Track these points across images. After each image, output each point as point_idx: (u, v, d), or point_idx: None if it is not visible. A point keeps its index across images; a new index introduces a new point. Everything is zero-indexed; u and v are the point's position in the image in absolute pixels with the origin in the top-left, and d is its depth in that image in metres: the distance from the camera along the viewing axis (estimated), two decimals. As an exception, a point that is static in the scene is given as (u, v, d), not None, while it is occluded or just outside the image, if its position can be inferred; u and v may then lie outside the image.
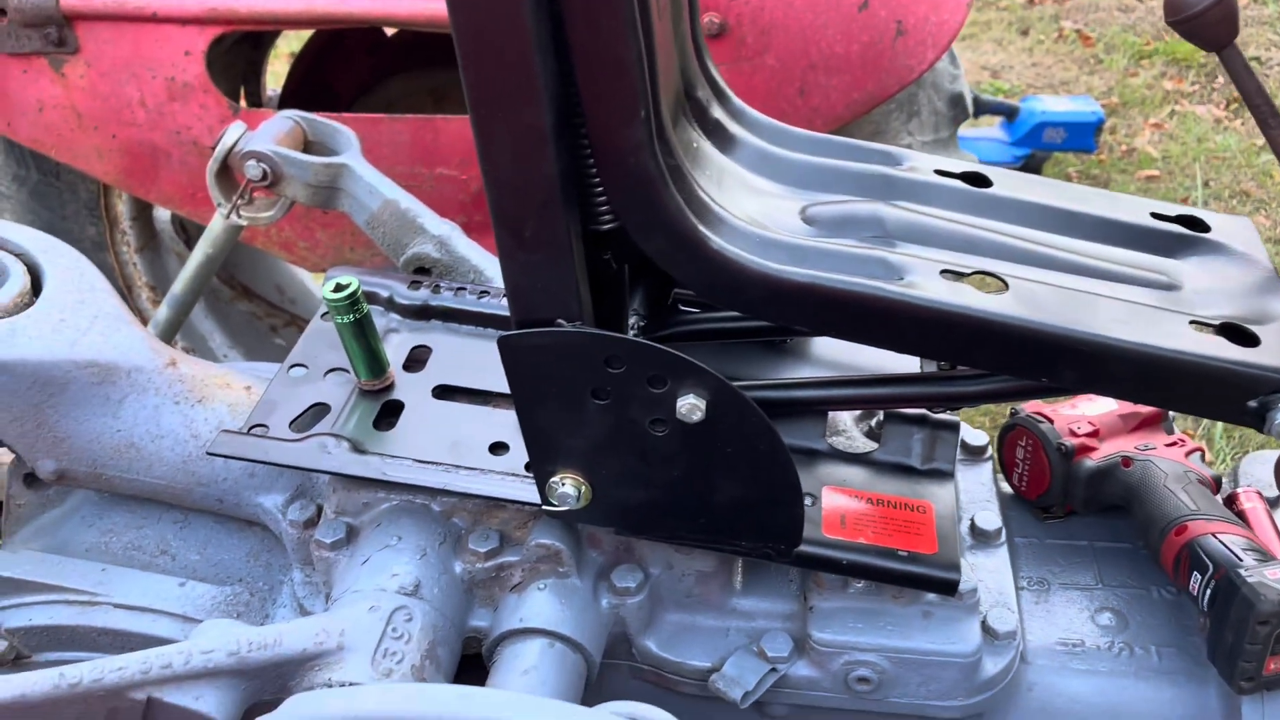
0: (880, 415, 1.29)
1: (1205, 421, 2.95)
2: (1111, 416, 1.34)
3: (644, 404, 1.02)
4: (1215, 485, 1.28)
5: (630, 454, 1.06)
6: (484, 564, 1.16)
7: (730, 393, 1.00)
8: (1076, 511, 1.34)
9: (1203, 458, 1.32)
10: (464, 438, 1.22)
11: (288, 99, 2.66)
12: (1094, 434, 1.32)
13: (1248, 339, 0.98)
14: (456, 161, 2.09)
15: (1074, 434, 1.31)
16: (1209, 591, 1.14)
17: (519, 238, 0.95)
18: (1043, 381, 1.02)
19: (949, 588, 1.12)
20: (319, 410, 1.25)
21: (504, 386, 1.26)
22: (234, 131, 1.53)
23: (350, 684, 1.01)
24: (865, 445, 1.26)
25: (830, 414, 1.26)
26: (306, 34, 2.81)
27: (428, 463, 1.17)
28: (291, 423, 1.23)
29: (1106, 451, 1.31)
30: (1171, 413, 1.38)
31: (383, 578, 1.12)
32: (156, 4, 2.01)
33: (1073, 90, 4.77)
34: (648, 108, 0.90)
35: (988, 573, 1.23)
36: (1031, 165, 4.03)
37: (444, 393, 1.29)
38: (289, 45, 3.90)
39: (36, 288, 1.28)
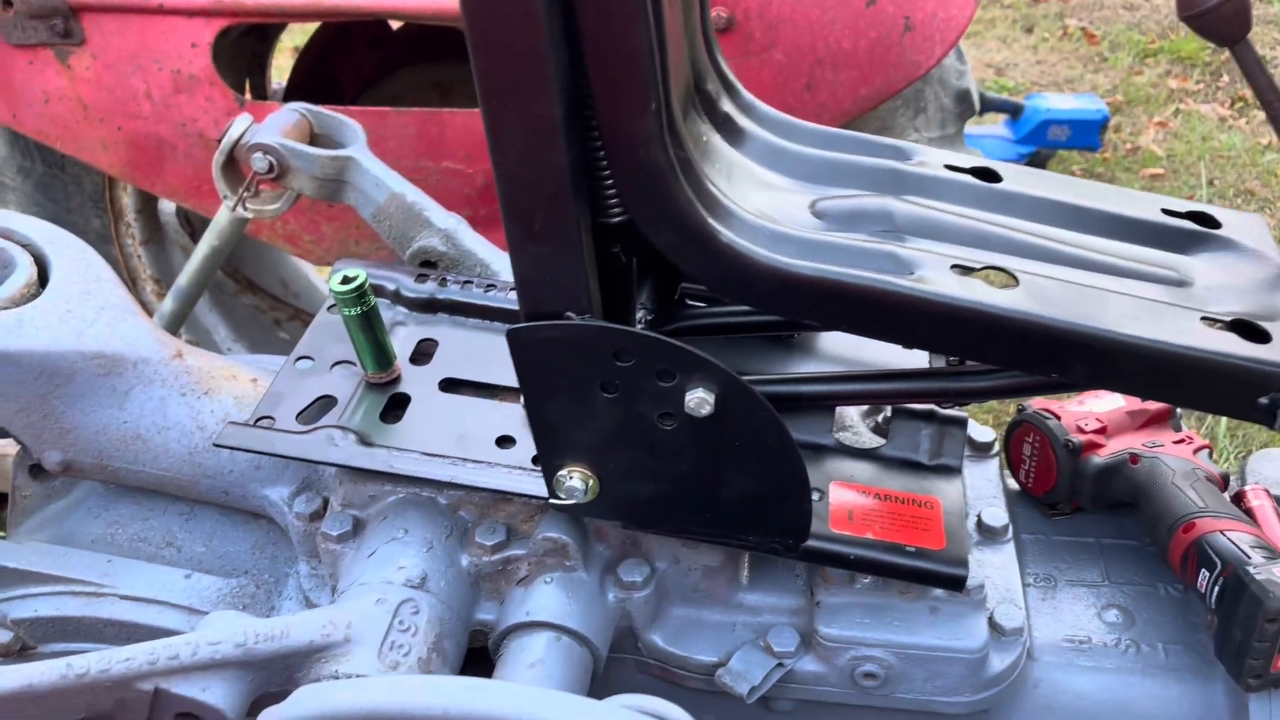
0: (887, 411, 1.28)
1: (1209, 420, 2.95)
2: (1119, 413, 1.33)
3: (652, 398, 1.02)
4: (1223, 483, 1.28)
5: (638, 448, 1.05)
6: (490, 557, 1.16)
7: (739, 387, 1.00)
8: (1083, 508, 1.34)
9: (1210, 455, 1.32)
10: (470, 431, 1.21)
11: (293, 92, 2.65)
12: (1101, 431, 1.31)
13: (1259, 335, 0.98)
14: (462, 155, 2.09)
15: (1081, 431, 1.31)
16: (1217, 589, 1.14)
17: (529, 230, 0.95)
18: (1053, 377, 1.01)
19: (957, 583, 1.11)
20: (325, 403, 1.25)
21: (510, 380, 1.27)
22: (240, 124, 1.52)
23: (357, 676, 1.01)
24: (872, 441, 1.26)
25: (837, 409, 1.26)
26: (311, 28, 2.80)
27: (434, 456, 1.17)
28: (298, 415, 1.23)
29: (1114, 448, 1.30)
30: (1178, 410, 1.38)
31: (389, 570, 1.11)
32: (163, -4, 2.01)
33: (1077, 88, 4.76)
34: (659, 100, 0.89)
35: (994, 569, 1.23)
36: (1036, 163, 4.03)
37: (450, 386, 1.29)
38: (292, 39, 3.90)
39: (43, 278, 1.27)
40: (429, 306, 1.39)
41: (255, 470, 1.27)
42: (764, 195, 1.08)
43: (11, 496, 1.36)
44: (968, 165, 1.16)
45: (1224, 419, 2.97)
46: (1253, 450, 2.89)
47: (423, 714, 0.83)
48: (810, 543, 1.11)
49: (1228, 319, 1.00)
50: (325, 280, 2.92)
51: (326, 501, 1.23)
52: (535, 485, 1.13)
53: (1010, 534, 1.26)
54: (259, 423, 1.21)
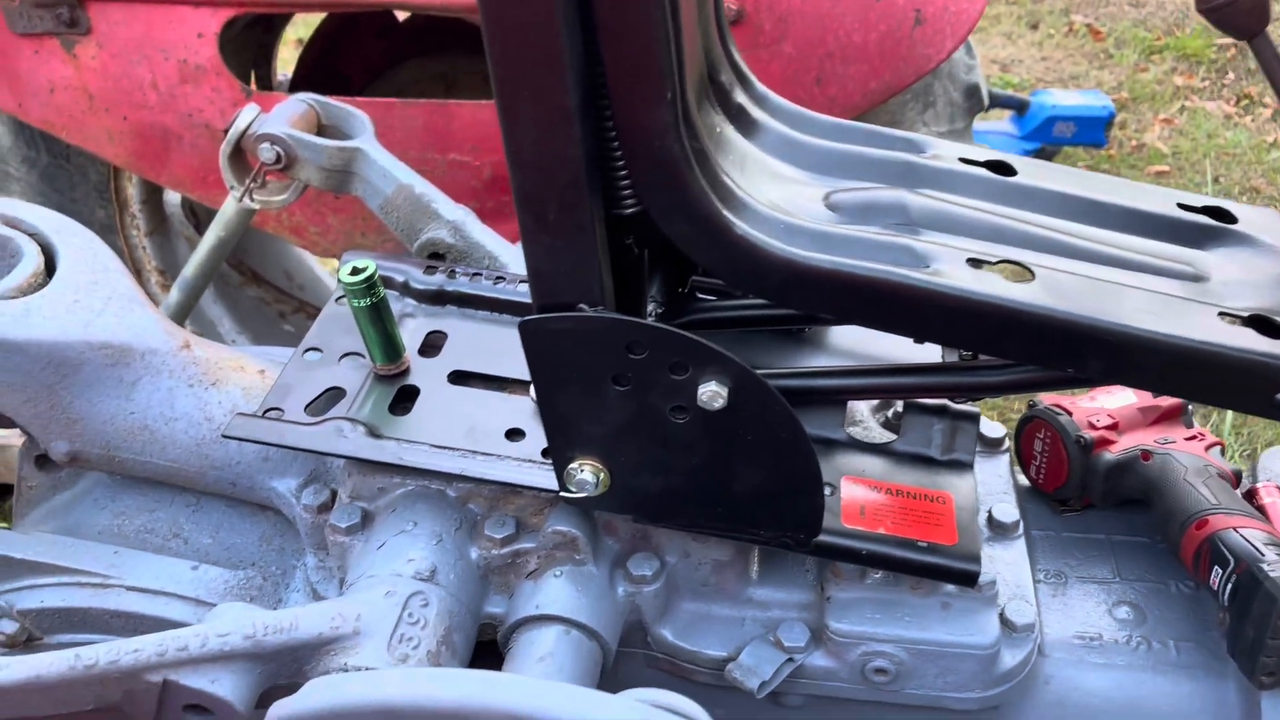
0: (898, 406, 1.28)
1: (1214, 417, 2.94)
2: (1131, 410, 1.33)
3: (665, 391, 1.01)
4: (1235, 479, 1.27)
5: (650, 441, 1.05)
6: (500, 550, 1.15)
7: (753, 380, 0.99)
8: (1094, 505, 1.33)
9: (1222, 452, 1.31)
10: (480, 423, 1.21)
11: (298, 84, 2.64)
12: (1113, 427, 1.31)
13: (1277, 331, 0.97)
14: (469, 147, 2.08)
15: (1093, 427, 1.30)
16: (1230, 586, 1.13)
17: (542, 221, 0.94)
18: (1068, 372, 1.00)
19: (969, 579, 1.11)
20: (334, 394, 1.25)
21: (520, 373, 1.26)
22: (248, 114, 1.52)
23: (366, 669, 1.00)
24: (882, 436, 1.26)
25: (848, 404, 1.25)
26: (315, 20, 2.80)
27: (444, 448, 1.17)
28: (307, 406, 1.22)
29: (1126, 445, 1.30)
30: (1190, 407, 1.37)
31: (398, 563, 1.11)
32: (169, -15, 2.00)
33: (1082, 85, 4.75)
34: (675, 90, 0.89)
35: (1005, 565, 1.22)
36: (1041, 159, 4.01)
37: (459, 378, 1.28)
38: (295, 32, 3.89)
39: (50, 268, 1.27)
40: (438, 299, 1.38)
41: (263, 462, 1.26)
42: (777, 187, 1.07)
43: (17, 487, 1.35)
44: (982, 158, 1.16)
45: (1229, 416, 2.97)
46: (1258, 448, 2.89)
47: (436, 707, 0.83)
48: (822, 538, 1.10)
49: (1245, 314, 0.99)
50: (330, 272, 2.91)
51: (334, 493, 1.23)
52: (545, 478, 1.13)
53: (1021, 530, 1.26)
54: (267, 414, 1.21)
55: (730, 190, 0.98)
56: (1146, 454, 1.28)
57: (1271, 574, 1.08)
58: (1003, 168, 1.15)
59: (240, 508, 1.33)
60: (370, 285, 1.21)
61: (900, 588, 1.16)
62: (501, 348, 1.30)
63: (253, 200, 1.57)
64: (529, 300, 1.35)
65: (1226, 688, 1.18)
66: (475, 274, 1.40)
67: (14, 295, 1.22)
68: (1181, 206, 1.13)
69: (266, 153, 1.49)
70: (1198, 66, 4.90)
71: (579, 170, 0.91)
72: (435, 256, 1.48)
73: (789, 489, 1.07)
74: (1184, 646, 1.20)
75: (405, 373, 1.28)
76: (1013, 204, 1.10)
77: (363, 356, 1.28)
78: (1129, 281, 1.01)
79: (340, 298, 1.37)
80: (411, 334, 1.33)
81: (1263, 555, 1.12)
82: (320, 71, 2.68)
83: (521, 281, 1.39)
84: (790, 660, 1.15)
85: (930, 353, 1.25)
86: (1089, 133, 3.96)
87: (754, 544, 1.15)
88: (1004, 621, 1.16)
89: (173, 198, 2.57)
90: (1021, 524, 1.26)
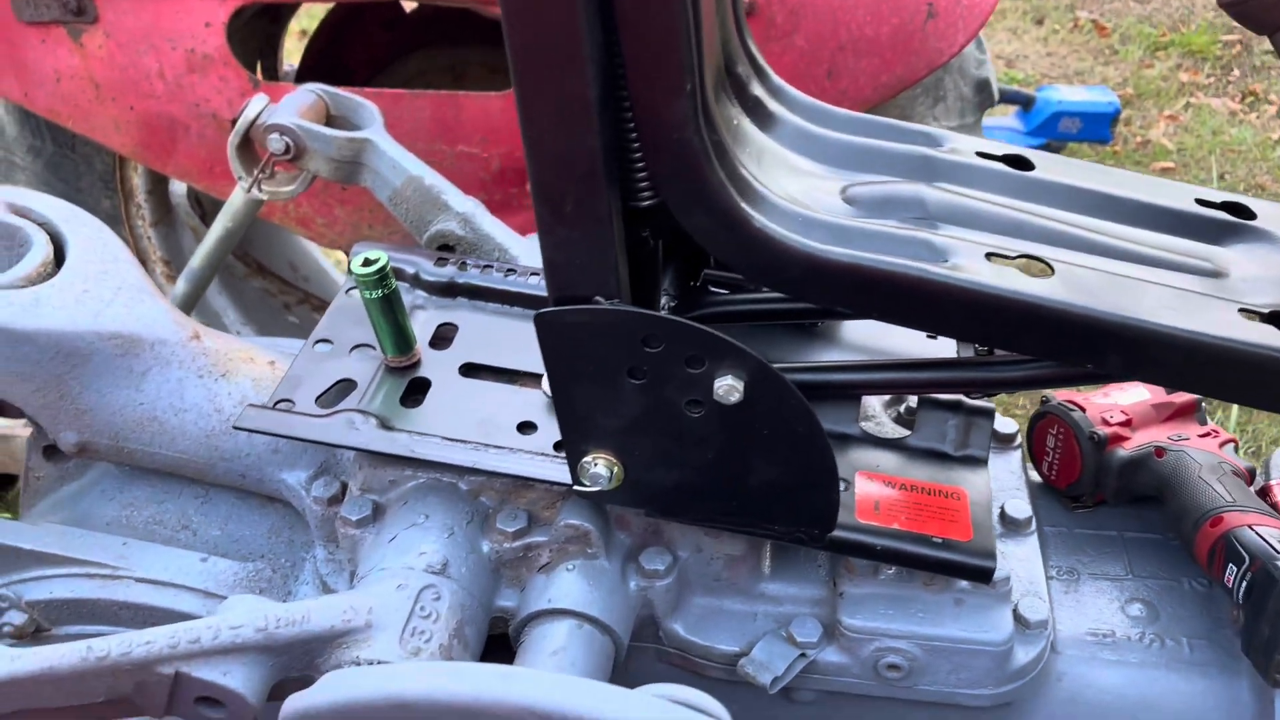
0: (911, 401, 1.27)
1: (1219, 414, 2.94)
2: (1144, 406, 1.32)
3: (681, 384, 1.00)
4: (1249, 477, 1.27)
5: (665, 435, 1.04)
6: (512, 544, 1.15)
7: (769, 374, 0.99)
8: (1107, 501, 1.33)
9: (1236, 449, 1.30)
10: (491, 416, 1.20)
11: (304, 74, 2.63)
12: (1127, 423, 1.30)
13: (1297, 328, 0.97)
14: (478, 139, 2.07)
15: (1106, 423, 1.30)
16: (1245, 584, 1.12)
17: (559, 212, 0.93)
18: (1086, 367, 1.00)
19: (984, 575, 1.10)
20: (345, 386, 1.24)
21: (531, 365, 1.26)
22: (257, 104, 1.51)
23: (379, 662, 1.00)
24: (895, 431, 1.25)
25: (861, 399, 1.25)
26: (322, 10, 2.78)
27: (456, 441, 1.16)
28: (318, 398, 1.22)
29: (1139, 441, 1.29)
30: (1203, 404, 1.36)
31: (410, 556, 1.10)
32: (176, -26, 1.99)
33: (1087, 81, 4.74)
34: (694, 82, 0.88)
35: (1018, 561, 1.22)
36: (1048, 155, 4.01)
37: (471, 371, 1.28)
38: (299, 23, 3.87)
39: (59, 258, 1.26)
40: (448, 290, 1.37)
41: (273, 454, 1.25)
42: (795, 180, 1.07)
43: (25, 478, 1.34)
44: (999, 153, 1.15)
45: (1234, 412, 2.96)
46: (1263, 445, 2.89)
47: (452, 701, 0.82)
48: (837, 533, 1.09)
49: (1266, 311, 0.98)
50: (334, 264, 2.91)
51: (344, 486, 1.22)
52: (557, 471, 1.12)
53: (1034, 526, 1.25)
54: (278, 405, 1.20)
55: (748, 183, 0.97)
56: (1160, 450, 1.28)
57: (1287, 572, 1.08)
58: (1020, 162, 1.14)
59: (249, 500, 1.32)
60: (382, 277, 1.20)
61: (913, 583, 1.15)
62: (513, 340, 1.29)
63: (261, 191, 1.57)
64: (540, 293, 1.35)
65: (1240, 686, 1.17)
66: (486, 266, 1.39)
67: (23, 285, 1.21)
68: (1200, 202, 1.12)
69: (275, 143, 1.48)
70: (1203, 63, 4.89)
71: (597, 162, 0.90)
72: (444, 248, 1.47)
73: (804, 484, 1.06)
74: (1197, 644, 1.20)
75: (416, 365, 1.27)
76: (1031, 199, 1.09)
77: (373, 348, 1.27)
78: (1148, 277, 1.00)
79: (351, 289, 1.37)
80: (422, 326, 1.32)
81: (1278, 552, 1.11)
82: (326, 62, 2.67)
83: (532, 274, 1.38)
84: (803, 656, 1.15)
85: (944, 347, 1.24)
86: (1094, 129, 3.95)
87: (768, 539, 1.15)
88: (1017, 618, 1.15)
89: (178, 188, 2.56)
90: (1034, 520, 1.26)
